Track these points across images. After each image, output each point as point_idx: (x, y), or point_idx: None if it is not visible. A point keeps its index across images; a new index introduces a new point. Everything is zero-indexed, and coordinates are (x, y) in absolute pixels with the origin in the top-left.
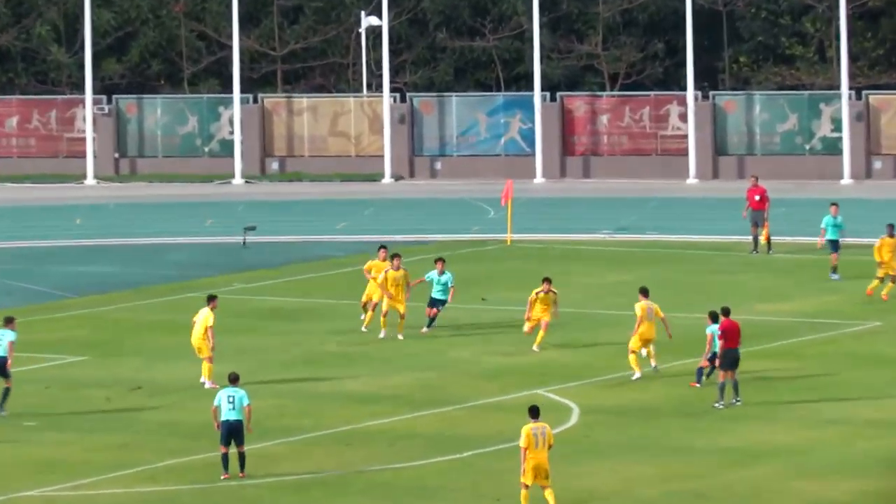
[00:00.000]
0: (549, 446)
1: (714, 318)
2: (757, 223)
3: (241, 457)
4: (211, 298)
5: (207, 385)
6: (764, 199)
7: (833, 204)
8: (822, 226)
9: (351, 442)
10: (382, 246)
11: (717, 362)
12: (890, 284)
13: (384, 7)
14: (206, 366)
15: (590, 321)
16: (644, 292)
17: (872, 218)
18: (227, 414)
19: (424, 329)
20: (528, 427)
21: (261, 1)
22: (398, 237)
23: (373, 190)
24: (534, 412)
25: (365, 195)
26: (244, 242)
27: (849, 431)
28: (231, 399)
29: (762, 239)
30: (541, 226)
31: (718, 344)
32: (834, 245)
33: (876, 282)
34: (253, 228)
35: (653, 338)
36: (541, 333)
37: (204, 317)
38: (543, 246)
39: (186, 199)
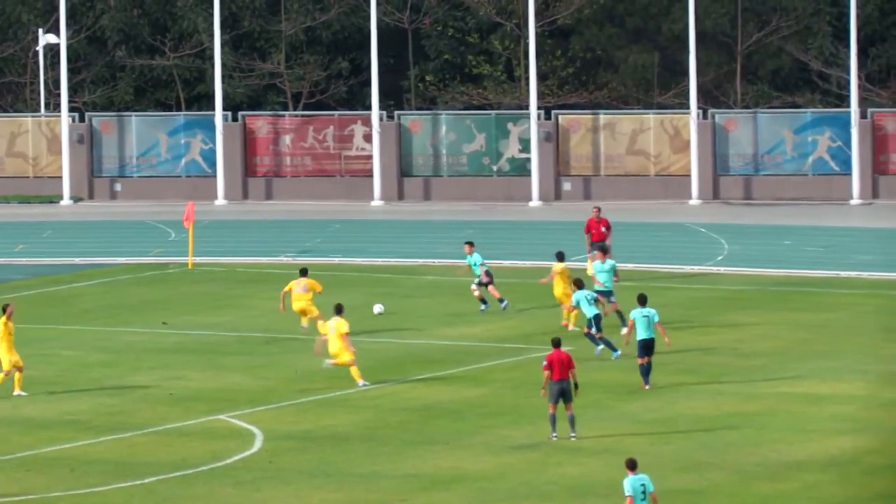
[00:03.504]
0: None
1: (641, 301)
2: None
3: None
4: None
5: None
6: (608, 229)
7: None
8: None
9: (31, 468)
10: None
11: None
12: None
13: (62, 25)
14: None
15: (277, 345)
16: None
17: (564, 239)
18: None
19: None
20: None
21: None
22: (77, 260)
23: (52, 212)
24: None
25: (44, 217)
26: None
27: (537, 458)
28: None
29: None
30: (223, 249)
31: (545, 374)
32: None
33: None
34: None
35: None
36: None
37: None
38: (226, 269)
39: None
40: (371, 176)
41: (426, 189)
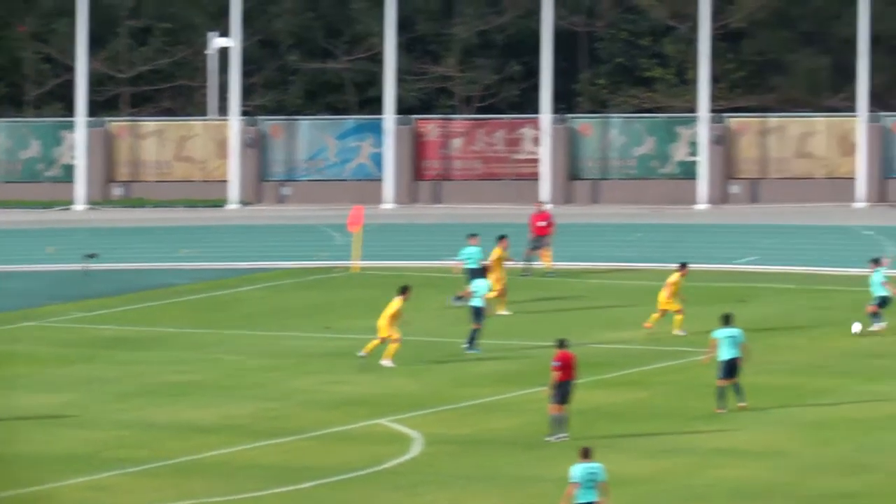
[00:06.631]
0: None
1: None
2: (536, 247)
3: None
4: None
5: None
6: (549, 224)
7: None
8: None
9: (189, 473)
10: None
11: None
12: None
13: (235, 29)
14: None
15: (438, 349)
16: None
17: (728, 243)
18: None
19: None
20: None
21: (108, 22)
22: (243, 264)
23: (219, 216)
24: None
25: (211, 221)
26: (85, 270)
27: (695, 461)
28: None
29: (545, 262)
30: (390, 253)
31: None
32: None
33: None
34: (94, 256)
35: None
36: None
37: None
38: (392, 273)
39: (27, 225)
40: (539, 179)
41: (594, 192)
